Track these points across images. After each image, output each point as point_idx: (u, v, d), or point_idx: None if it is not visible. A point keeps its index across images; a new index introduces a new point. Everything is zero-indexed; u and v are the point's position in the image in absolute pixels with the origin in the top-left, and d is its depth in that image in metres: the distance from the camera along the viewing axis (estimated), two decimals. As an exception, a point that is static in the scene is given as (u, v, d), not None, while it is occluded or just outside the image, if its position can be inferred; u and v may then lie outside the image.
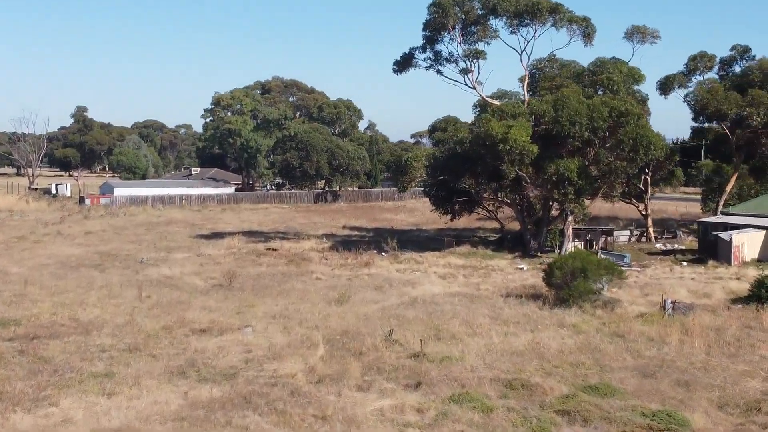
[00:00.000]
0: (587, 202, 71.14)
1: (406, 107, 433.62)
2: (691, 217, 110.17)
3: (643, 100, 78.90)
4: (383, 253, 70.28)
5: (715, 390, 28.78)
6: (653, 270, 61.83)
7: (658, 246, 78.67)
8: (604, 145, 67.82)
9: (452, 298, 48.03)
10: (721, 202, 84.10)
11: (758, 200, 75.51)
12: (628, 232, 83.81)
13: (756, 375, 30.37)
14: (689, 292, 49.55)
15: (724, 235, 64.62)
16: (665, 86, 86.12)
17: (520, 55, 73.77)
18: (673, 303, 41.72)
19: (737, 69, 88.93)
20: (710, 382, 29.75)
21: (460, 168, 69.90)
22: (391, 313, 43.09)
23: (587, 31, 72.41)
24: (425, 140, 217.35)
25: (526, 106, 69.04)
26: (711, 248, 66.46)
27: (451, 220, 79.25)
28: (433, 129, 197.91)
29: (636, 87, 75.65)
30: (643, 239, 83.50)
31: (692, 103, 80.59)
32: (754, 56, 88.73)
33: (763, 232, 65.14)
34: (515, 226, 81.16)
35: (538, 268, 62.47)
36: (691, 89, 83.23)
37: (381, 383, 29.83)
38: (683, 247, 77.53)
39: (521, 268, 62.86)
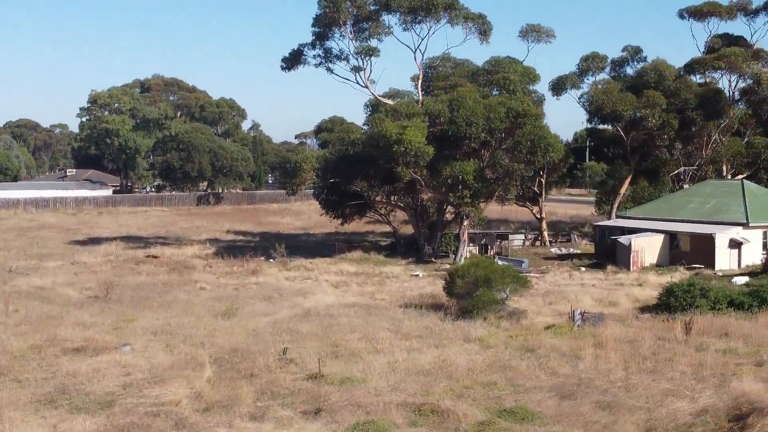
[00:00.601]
0: (482, 205, 69.37)
1: (293, 107, 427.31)
2: (582, 220, 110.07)
3: (540, 101, 77.71)
4: (271, 260, 67.34)
5: (640, 412, 26.71)
6: (552, 276, 60.41)
7: (554, 250, 77.61)
8: (500, 147, 66.19)
9: (348, 309, 45.36)
10: (615, 205, 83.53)
11: (654, 204, 74.92)
12: (522, 236, 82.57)
13: (681, 394, 28.45)
14: (594, 300, 47.91)
15: (622, 239, 63.57)
16: (558, 87, 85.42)
17: (414, 52, 71.99)
18: (582, 314, 39.87)
19: (629, 70, 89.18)
20: (634, 403, 27.70)
21: (353, 170, 67.42)
22: (284, 328, 40.21)
23: (483, 29, 70.81)
24: (310, 141, 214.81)
25: (420, 105, 66.92)
26: (609, 253, 65.45)
27: (342, 224, 76.72)
28: (319, 129, 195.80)
29: (532, 87, 74.39)
30: (538, 243, 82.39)
31: (588, 104, 79.78)
32: (645, 57, 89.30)
33: (661, 237, 64.30)
34: (407, 230, 79.17)
35: (434, 275, 60.54)
36: (584, 90, 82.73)
37: (276, 410, 26.92)
38: (579, 251, 76.61)
39: (417, 275, 60.68)
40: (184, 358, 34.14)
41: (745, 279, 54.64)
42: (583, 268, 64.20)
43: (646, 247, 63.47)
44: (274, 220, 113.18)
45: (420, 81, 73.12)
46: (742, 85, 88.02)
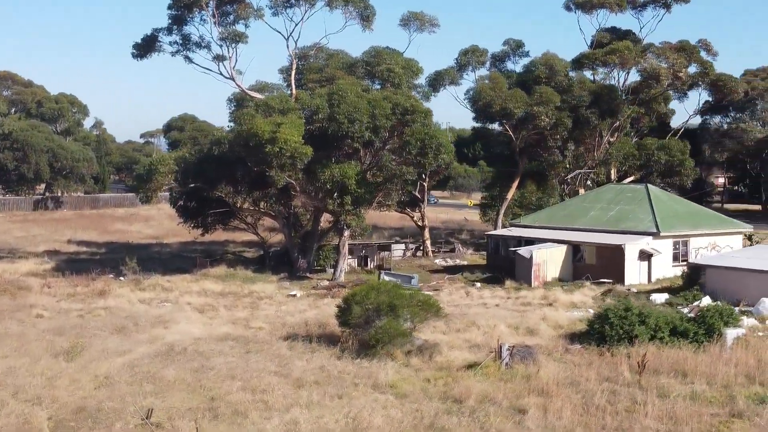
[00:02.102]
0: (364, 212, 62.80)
1: (140, 104, 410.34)
2: (456, 225, 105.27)
3: (426, 96, 71.89)
4: (122, 278, 59.21)
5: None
6: (448, 294, 54.30)
7: (438, 262, 71.92)
8: (384, 147, 59.96)
9: (221, 343, 37.98)
10: (502, 211, 78.18)
11: (551, 211, 69.75)
12: (402, 246, 76.41)
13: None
14: (509, 326, 41.72)
15: (523, 251, 58.10)
16: (436, 82, 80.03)
17: (287, 40, 65.19)
18: (511, 349, 33.68)
19: (510, 65, 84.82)
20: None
21: (217, 173, 59.92)
22: (144, 372, 32.73)
23: (366, 14, 64.38)
24: (157, 140, 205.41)
25: (294, 100, 59.91)
26: (505, 266, 60.25)
27: (203, 234, 68.88)
28: (169, 128, 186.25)
29: (416, 82, 68.48)
30: (420, 254, 76.50)
31: (474, 101, 74.22)
32: (527, 52, 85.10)
33: (563, 248, 59.11)
34: (275, 238, 72.41)
35: (313, 294, 54.06)
36: (469, 86, 77.68)
37: None
38: (465, 262, 71.29)
39: (294, 295, 53.78)
40: (15, 422, 26.82)
41: (664, 296, 49.94)
42: (479, 284, 58.57)
43: (549, 260, 58.18)
44: (122, 227, 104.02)
45: (294, 72, 65.92)
46: (629, 81, 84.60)
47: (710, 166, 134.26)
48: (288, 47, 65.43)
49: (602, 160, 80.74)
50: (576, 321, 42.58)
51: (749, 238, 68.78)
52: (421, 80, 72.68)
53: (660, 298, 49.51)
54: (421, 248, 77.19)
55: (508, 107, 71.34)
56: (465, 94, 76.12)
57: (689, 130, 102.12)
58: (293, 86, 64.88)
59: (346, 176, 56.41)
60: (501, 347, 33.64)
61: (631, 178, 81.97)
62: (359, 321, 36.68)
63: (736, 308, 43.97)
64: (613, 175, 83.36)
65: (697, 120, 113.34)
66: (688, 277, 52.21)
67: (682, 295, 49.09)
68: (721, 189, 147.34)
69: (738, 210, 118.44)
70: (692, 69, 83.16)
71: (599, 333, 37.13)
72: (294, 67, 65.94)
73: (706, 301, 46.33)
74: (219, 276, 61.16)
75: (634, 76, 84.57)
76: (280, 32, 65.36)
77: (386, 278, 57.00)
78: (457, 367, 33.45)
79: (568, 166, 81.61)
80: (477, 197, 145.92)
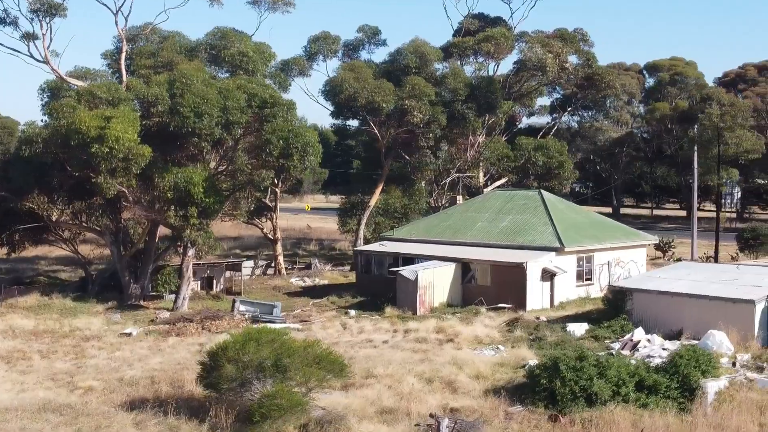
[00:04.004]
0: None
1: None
2: (299, 234, 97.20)
3: (284, 87, 62.92)
4: None
5: None
6: (321, 328, 45.29)
7: (294, 281, 63.05)
8: (237, 147, 50.71)
9: (38, 419, 27.69)
10: (364, 220, 69.55)
11: (429, 220, 61.33)
12: (251, 263, 66.86)
13: None
14: (418, 378, 32.81)
15: (406, 272, 49.66)
16: (283, 73, 70.95)
17: (116, 15, 54.98)
18: (453, 424, 25.05)
19: (364, 54, 77.81)
20: None
21: (26, 180, 49.32)
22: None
23: (214, -14, 54.97)
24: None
25: (126, 89, 49.71)
26: (381, 288, 52.21)
27: (9, 254, 57.83)
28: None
29: (268, 70, 59.41)
30: (271, 271, 67.31)
31: (334, 94, 65.50)
32: (384, 40, 77.81)
33: (451, 267, 50.94)
34: (99, 252, 62.34)
35: (153, 332, 44.37)
36: (313, 77, 69.42)
37: None
38: (326, 282, 62.68)
39: (128, 334, 43.74)
40: None
41: (583, 327, 42.40)
42: (353, 311, 49.99)
43: (435, 282, 49.94)
44: None
45: (124, 55, 55.43)
46: (501, 73, 78.00)
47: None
48: (117, 24, 55.27)
49: (475, 162, 73.29)
50: (496, 366, 34.50)
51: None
52: (273, 68, 63.78)
53: (579, 329, 42.01)
54: (273, 265, 67.99)
55: (375, 101, 63.07)
56: (323, 86, 67.33)
57: (536, 128, 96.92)
58: (123, 73, 54.39)
59: (192, 183, 46.80)
60: (439, 423, 24.97)
61: (501, 182, 75.24)
62: (233, 385, 27.46)
63: (678, 342, 37.27)
64: (481, 178, 76.00)
65: (544, 119, 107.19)
66: (610, 303, 44.71)
67: (607, 326, 41.60)
68: (567, 191, 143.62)
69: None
70: (573, 60, 77.12)
71: (547, 390, 29.07)
72: (124, 49, 55.53)
73: (639, 333, 39.28)
74: (30, 307, 50.48)
75: (505, 68, 78.18)
76: (107, 5, 55.16)
77: (242, 308, 47.87)
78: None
79: (434, 168, 73.69)
80: (311, 201, 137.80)
